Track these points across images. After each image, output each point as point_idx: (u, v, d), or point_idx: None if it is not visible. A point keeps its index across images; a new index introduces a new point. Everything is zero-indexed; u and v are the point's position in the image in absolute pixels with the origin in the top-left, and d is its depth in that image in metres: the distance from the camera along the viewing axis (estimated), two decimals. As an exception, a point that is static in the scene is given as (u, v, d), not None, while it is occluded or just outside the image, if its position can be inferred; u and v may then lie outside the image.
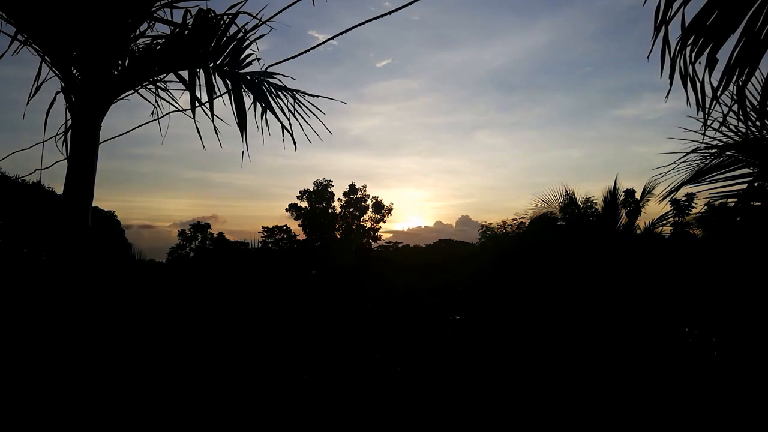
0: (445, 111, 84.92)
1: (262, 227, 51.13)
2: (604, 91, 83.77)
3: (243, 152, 4.06)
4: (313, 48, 4.11)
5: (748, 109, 4.36)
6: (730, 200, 5.06)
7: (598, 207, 11.92)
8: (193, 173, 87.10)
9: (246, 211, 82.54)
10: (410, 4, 3.56)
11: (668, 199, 5.87)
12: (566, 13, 78.87)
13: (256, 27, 4.09)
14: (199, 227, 54.70)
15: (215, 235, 53.43)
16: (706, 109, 2.72)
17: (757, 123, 4.46)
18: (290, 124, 4.20)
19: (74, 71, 3.84)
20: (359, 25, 3.94)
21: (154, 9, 4.05)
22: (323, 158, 76.79)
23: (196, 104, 3.93)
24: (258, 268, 10.58)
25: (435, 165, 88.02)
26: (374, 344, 11.00)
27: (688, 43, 2.57)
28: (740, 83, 2.55)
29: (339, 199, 52.67)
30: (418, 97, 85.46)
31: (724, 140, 4.77)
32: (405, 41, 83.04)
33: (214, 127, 4.03)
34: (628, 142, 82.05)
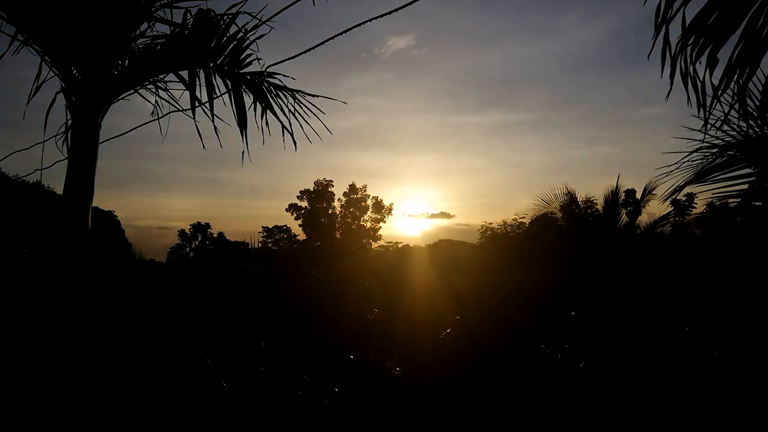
0: (465, 110, 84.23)
1: (262, 227, 51.08)
2: (623, 91, 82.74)
3: (243, 152, 4.10)
4: (314, 48, 4.10)
5: (750, 108, 4.35)
6: (732, 200, 5.06)
7: (598, 207, 11.90)
8: (196, 173, 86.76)
9: (247, 210, 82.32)
10: (411, 3, 3.56)
11: (671, 199, 5.87)
12: (580, 14, 78.58)
13: (256, 27, 4.09)
14: (199, 227, 54.66)
15: (215, 235, 53.42)
16: (707, 109, 2.72)
17: (759, 122, 4.46)
18: (290, 124, 4.22)
19: (74, 71, 3.83)
20: (359, 24, 3.94)
21: (154, 9, 4.05)
22: (329, 157, 76.18)
23: (197, 104, 3.94)
24: (258, 269, 10.58)
25: (453, 164, 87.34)
26: (373, 344, 11.00)
27: (689, 42, 2.57)
28: (741, 83, 2.55)
29: (339, 199, 52.71)
30: (433, 94, 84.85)
31: (726, 139, 4.76)
32: (429, 37, 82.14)
33: (215, 127, 4.05)
34: (632, 141, 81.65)
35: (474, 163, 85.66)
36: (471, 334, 10.85)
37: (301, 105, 4.26)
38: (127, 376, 5.44)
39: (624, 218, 11.26)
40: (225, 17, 4.01)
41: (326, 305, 10.46)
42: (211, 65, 4.07)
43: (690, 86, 2.66)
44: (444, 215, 66.74)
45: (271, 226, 51.45)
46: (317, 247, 47.32)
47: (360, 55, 75.44)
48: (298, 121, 4.24)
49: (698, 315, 8.13)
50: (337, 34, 4.01)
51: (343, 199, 52.70)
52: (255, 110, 4.18)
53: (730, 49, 2.48)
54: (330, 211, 52.05)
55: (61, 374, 3.52)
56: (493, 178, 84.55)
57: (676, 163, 5.16)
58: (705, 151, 4.95)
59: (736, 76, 2.50)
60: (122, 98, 4.12)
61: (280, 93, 4.23)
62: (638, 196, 11.41)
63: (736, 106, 3.11)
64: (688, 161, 5.10)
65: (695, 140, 4.95)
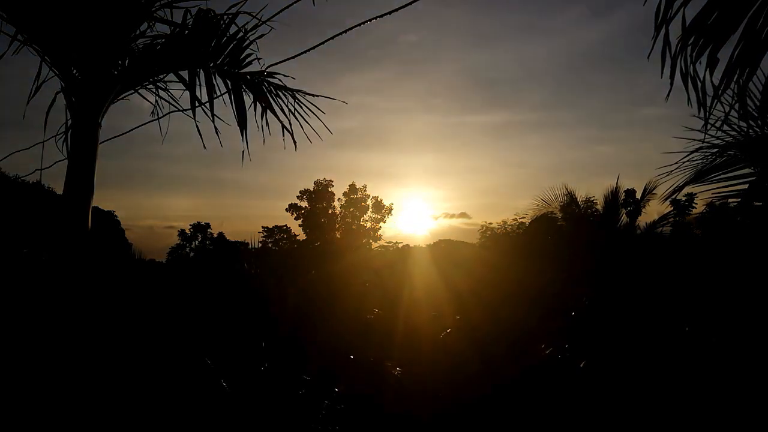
0: (465, 109, 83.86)
1: (262, 227, 51.13)
2: (623, 91, 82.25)
3: (243, 152, 4.11)
4: (314, 48, 4.10)
5: (750, 108, 4.36)
6: (732, 200, 5.06)
7: (598, 207, 11.90)
8: (196, 173, 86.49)
9: (247, 210, 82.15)
10: (411, 3, 3.56)
11: (671, 199, 5.88)
12: (581, 15, 78.17)
13: (256, 27, 4.10)
14: (199, 227, 54.68)
15: (215, 235, 53.44)
16: (707, 109, 2.72)
17: (759, 122, 4.46)
18: (290, 124, 4.22)
19: (74, 71, 3.83)
20: (359, 24, 3.94)
21: (154, 9, 4.05)
22: (329, 157, 75.84)
23: (197, 104, 3.94)
24: (258, 269, 10.58)
25: (454, 163, 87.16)
26: (373, 344, 11.00)
27: (689, 43, 2.57)
28: (741, 83, 2.55)
29: (339, 199, 52.68)
30: (434, 93, 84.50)
31: (726, 140, 4.77)
32: (430, 36, 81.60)
33: (215, 127, 4.06)
34: (632, 141, 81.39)
35: (475, 163, 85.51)
36: (471, 334, 10.85)
37: (301, 105, 4.26)
38: (127, 376, 5.44)
39: (624, 218, 11.26)
40: (225, 17, 4.02)
41: (326, 305, 10.46)
42: (211, 65, 4.08)
43: (690, 86, 2.67)
44: (463, 215, 67.17)
45: (271, 226, 51.53)
46: (317, 247, 47.32)
47: (363, 55, 75.36)
48: (298, 121, 4.24)
49: (698, 315, 8.13)
50: (337, 34, 4.01)
51: (343, 199, 52.70)
52: (255, 110, 4.19)
53: (730, 49, 2.48)
54: (330, 211, 52.05)
55: (61, 374, 3.52)
56: (493, 178, 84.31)
57: (676, 163, 5.16)
58: (705, 151, 4.96)
59: (736, 76, 2.50)
60: (122, 98, 4.12)
61: (280, 93, 4.24)
62: (638, 196, 11.41)
63: (737, 106, 3.11)
64: (688, 161, 5.10)
65: (695, 140, 4.95)
